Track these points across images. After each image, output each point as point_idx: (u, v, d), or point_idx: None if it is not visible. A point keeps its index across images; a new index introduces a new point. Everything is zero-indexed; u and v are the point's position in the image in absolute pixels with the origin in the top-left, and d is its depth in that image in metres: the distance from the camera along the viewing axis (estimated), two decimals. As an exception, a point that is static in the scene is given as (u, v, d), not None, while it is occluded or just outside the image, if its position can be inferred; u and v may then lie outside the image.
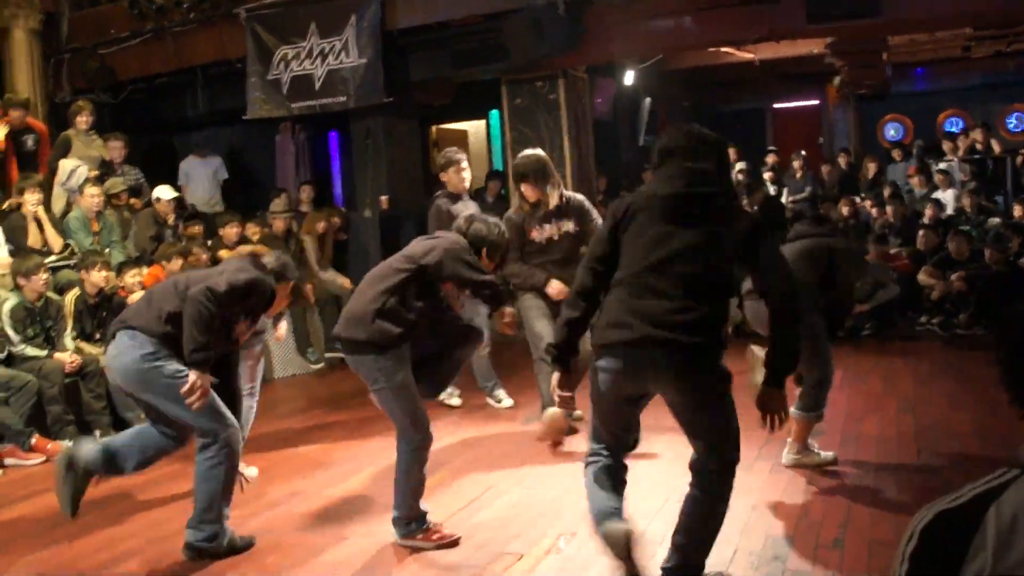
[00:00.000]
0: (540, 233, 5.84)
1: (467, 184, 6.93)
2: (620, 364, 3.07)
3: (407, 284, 4.00)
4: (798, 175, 12.38)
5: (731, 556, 3.71)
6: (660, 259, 3.07)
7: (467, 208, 6.40)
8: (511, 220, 5.76)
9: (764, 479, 4.69)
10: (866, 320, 8.84)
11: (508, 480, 5.04)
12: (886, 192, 10.96)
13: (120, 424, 6.49)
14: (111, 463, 4.10)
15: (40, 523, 4.80)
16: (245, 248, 8.93)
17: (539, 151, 6.04)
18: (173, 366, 3.94)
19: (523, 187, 5.82)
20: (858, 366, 7.44)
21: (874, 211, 10.75)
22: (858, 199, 11.18)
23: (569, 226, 5.85)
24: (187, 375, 3.86)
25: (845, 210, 10.41)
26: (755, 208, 9.73)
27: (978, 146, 12.03)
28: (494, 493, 4.55)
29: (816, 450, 4.92)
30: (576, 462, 5.28)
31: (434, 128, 13.89)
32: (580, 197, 6.01)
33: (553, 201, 5.81)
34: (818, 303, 4.69)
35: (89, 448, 4.11)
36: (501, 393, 6.81)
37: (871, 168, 12.38)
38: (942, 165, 11.47)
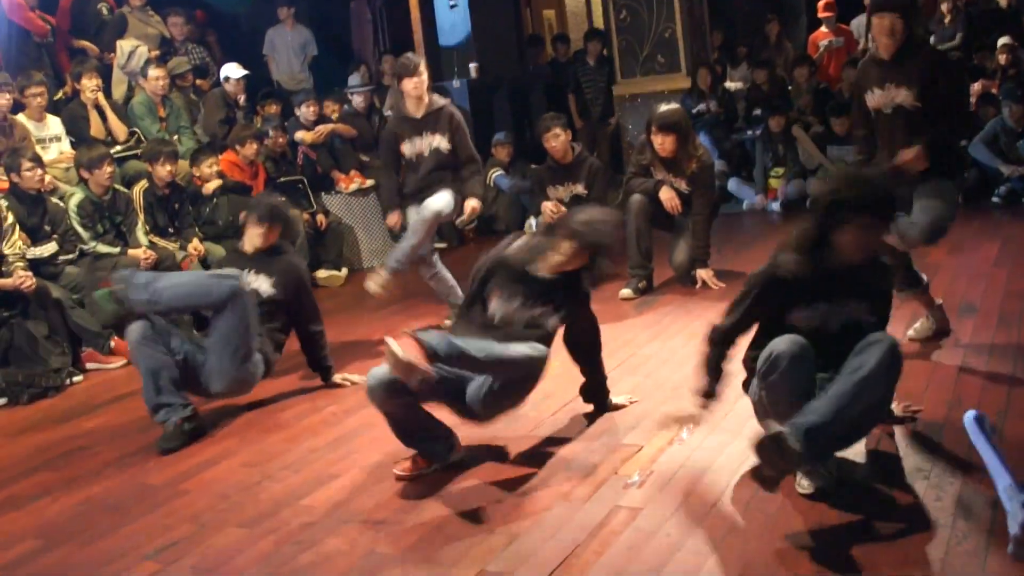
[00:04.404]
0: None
1: (425, 98, 6.25)
2: None
3: None
4: (947, 19, 11.86)
5: (875, 446, 3.73)
6: None
7: (422, 141, 6.24)
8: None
9: (909, 362, 4.63)
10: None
11: (623, 368, 5.12)
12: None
13: (202, 321, 6.63)
14: None
15: (125, 427, 5.07)
16: (325, 127, 9.05)
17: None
18: None
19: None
20: (1020, 238, 7.22)
21: (1041, 58, 10.27)
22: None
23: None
24: None
25: (1003, 58, 9.99)
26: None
27: None
28: (608, 383, 4.61)
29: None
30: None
31: (525, -16, 13.71)
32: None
33: None
34: None
35: None
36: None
37: (1042, 3, 11.77)
38: None
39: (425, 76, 6.19)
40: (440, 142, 6.20)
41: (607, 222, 4.14)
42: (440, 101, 6.31)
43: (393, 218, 6.43)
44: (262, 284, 5.07)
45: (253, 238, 5.20)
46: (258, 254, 5.20)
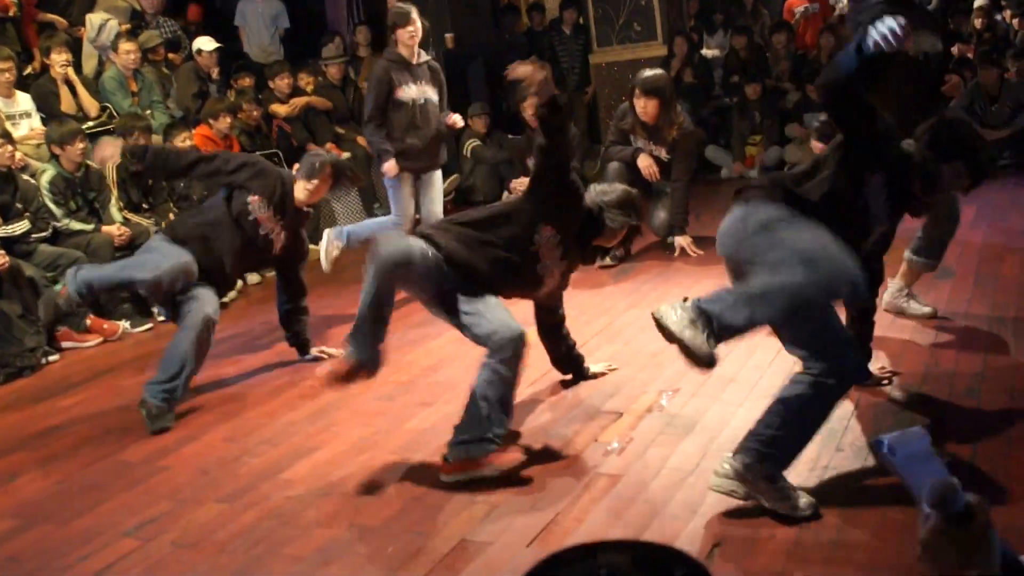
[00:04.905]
0: None
1: (415, 55, 6.43)
2: None
3: None
4: (923, -17, 11.87)
5: (853, 408, 3.76)
6: None
7: (418, 88, 6.41)
8: None
9: (887, 326, 4.68)
10: (1004, 148, 8.60)
11: (602, 336, 5.15)
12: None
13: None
14: None
15: (102, 406, 5.04)
16: (300, 100, 9.00)
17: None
18: None
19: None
20: (996, 201, 7.27)
21: (1015, 22, 10.30)
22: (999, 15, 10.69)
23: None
24: None
25: (979, 22, 10.01)
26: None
27: None
28: (586, 351, 4.64)
29: (919, 300, 4.90)
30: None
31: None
32: None
33: None
34: None
35: None
36: None
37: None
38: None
39: (419, 25, 6.34)
40: (432, 94, 6.44)
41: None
42: (425, 55, 6.53)
43: (392, 167, 6.38)
44: (279, 237, 5.15)
45: (300, 191, 5.19)
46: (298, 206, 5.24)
